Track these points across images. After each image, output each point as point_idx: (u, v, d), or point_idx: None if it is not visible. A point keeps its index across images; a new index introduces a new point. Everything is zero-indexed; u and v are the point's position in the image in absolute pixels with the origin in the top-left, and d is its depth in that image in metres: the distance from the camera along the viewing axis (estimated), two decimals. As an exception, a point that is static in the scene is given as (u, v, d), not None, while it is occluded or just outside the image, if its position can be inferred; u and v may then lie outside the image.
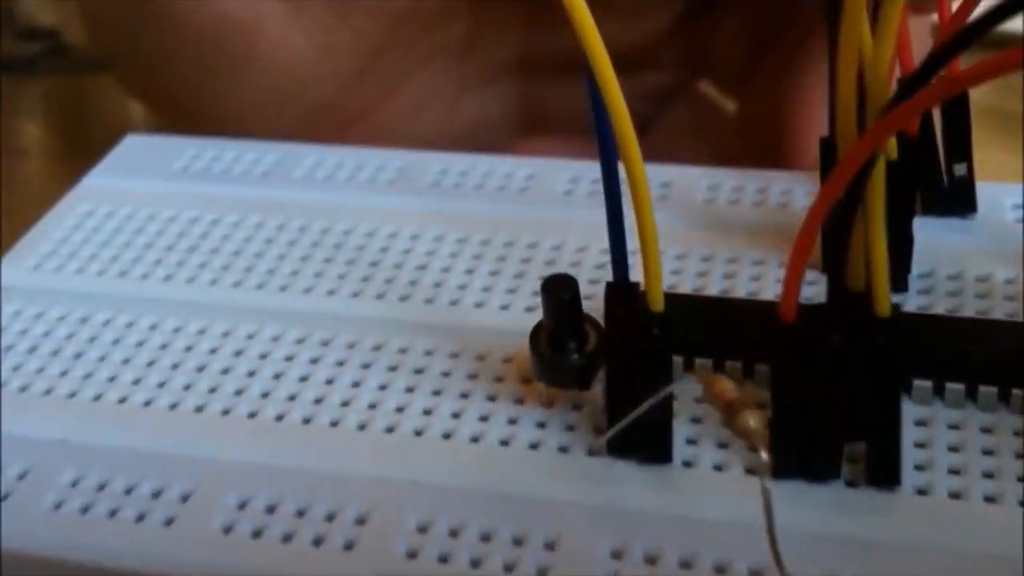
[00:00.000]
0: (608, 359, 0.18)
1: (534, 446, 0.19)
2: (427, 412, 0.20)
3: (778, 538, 0.14)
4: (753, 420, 0.14)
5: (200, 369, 0.21)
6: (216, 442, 0.20)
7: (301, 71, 0.32)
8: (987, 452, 0.18)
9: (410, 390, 0.20)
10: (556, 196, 0.25)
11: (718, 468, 0.18)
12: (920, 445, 0.18)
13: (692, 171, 0.25)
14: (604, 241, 0.23)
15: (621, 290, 0.17)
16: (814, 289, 0.21)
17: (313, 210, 0.25)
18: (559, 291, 0.18)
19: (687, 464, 0.18)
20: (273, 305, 0.23)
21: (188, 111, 0.33)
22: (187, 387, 0.21)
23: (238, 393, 0.21)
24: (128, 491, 0.19)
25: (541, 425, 0.19)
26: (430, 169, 0.26)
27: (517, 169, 0.26)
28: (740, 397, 0.15)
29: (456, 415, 0.20)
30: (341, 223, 0.25)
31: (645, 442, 0.18)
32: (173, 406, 0.21)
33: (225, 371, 0.21)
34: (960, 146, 0.22)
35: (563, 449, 0.19)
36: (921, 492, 0.17)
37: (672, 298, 0.17)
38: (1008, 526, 0.17)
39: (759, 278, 0.22)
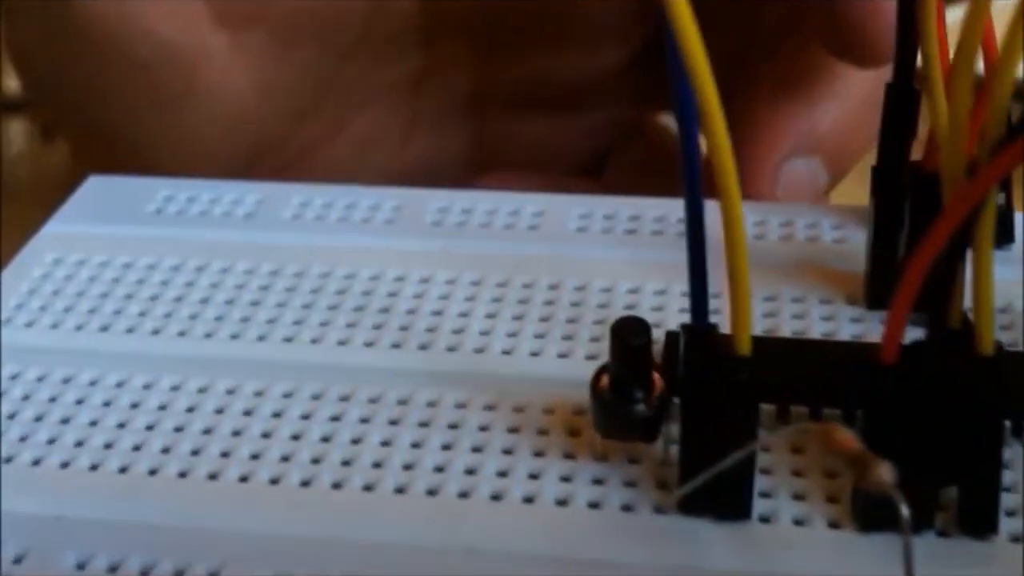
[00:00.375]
0: (684, 408, 0.16)
1: (594, 505, 0.18)
2: (470, 472, 0.18)
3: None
4: (887, 473, 0.13)
5: (207, 431, 0.19)
6: (238, 513, 0.18)
7: (244, 106, 0.30)
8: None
9: (447, 447, 0.19)
10: (569, 233, 0.24)
11: (799, 523, 0.17)
12: (1005, 489, 0.17)
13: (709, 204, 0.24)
14: (630, 280, 0.22)
15: (700, 333, 0.16)
16: (861, 327, 0.20)
17: (308, 254, 0.24)
18: (630, 336, 0.17)
19: (764, 520, 0.17)
20: (278, 358, 0.21)
21: (123, 149, 0.31)
22: (196, 452, 0.19)
23: (254, 457, 0.19)
24: (144, 573, 0.17)
25: (598, 482, 0.18)
26: (429, 207, 0.25)
27: (524, 206, 0.24)
28: (865, 449, 0.14)
29: (503, 474, 0.18)
30: (341, 267, 0.23)
31: (722, 497, 0.17)
32: (183, 474, 0.19)
33: (236, 433, 0.19)
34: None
35: (627, 508, 0.17)
36: (1015, 539, 0.16)
37: (755, 341, 0.16)
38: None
39: (803, 316, 0.21)
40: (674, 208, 0.24)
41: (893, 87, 0.21)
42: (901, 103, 0.21)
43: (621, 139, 0.36)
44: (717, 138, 0.14)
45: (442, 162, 0.34)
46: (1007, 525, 0.17)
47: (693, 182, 0.15)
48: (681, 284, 0.21)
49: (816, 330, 0.20)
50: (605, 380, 0.17)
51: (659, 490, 0.18)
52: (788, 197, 0.27)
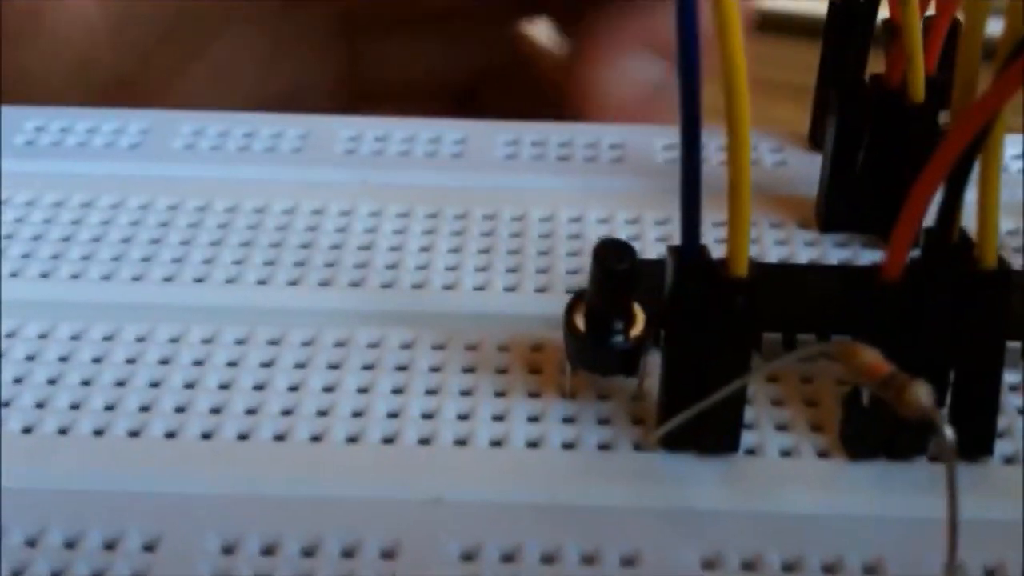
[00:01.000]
0: (671, 338, 0.15)
1: (568, 446, 0.16)
2: (427, 416, 0.17)
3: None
4: (924, 394, 0.12)
5: (121, 384, 0.17)
6: (170, 474, 0.16)
7: (94, 40, 0.28)
8: (1057, 413, 0.17)
9: (398, 392, 0.17)
10: (498, 161, 0.22)
11: (786, 454, 0.16)
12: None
13: (647, 130, 0.23)
14: (571, 209, 0.21)
15: (691, 255, 0.15)
16: (817, 250, 0.20)
17: (209, 187, 0.21)
18: (613, 260, 0.15)
19: (750, 452, 0.16)
20: (191, 302, 0.19)
21: None
22: (110, 407, 0.17)
23: (180, 411, 0.17)
24: (70, 543, 0.15)
25: (569, 421, 0.17)
26: (339, 135, 0.23)
27: (444, 133, 0.23)
28: (897, 370, 0.13)
29: (464, 417, 0.17)
30: (249, 201, 0.21)
31: (709, 431, 0.16)
32: (98, 432, 0.16)
33: (154, 384, 0.17)
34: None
35: (604, 447, 0.16)
36: (1008, 462, 0.16)
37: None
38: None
39: (756, 241, 0.20)
40: (606, 134, 0.23)
41: (841, 4, 0.20)
42: (853, 19, 0.20)
43: (494, 57, 0.34)
44: (733, 59, 0.13)
45: (310, 91, 0.32)
46: (1000, 447, 0.16)
47: (692, 102, 0.13)
48: (625, 211, 0.20)
49: (772, 255, 0.19)
50: (581, 311, 0.16)
51: (636, 426, 0.16)
52: (627, 90, 0.27)
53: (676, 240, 0.19)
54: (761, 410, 0.17)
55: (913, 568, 0.14)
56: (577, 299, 0.16)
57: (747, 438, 0.16)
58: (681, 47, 0.13)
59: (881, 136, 0.19)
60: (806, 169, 0.21)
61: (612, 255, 0.15)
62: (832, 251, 0.19)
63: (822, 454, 0.16)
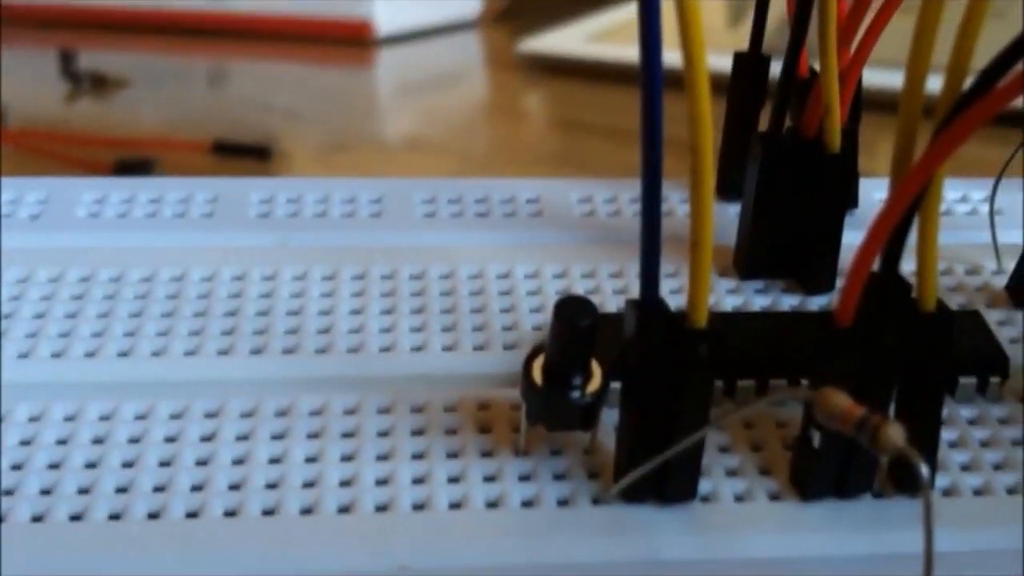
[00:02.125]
0: (632, 390, 0.15)
1: (528, 503, 0.16)
2: (382, 482, 0.16)
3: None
4: (898, 435, 0.13)
5: (55, 466, 0.16)
6: (109, 556, 0.15)
7: None
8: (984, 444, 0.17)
9: (348, 459, 0.17)
10: (417, 220, 0.22)
11: (740, 499, 0.16)
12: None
13: (561, 184, 0.23)
14: (500, 265, 0.21)
15: (651, 308, 0.15)
16: (741, 297, 0.20)
17: (122, 256, 0.20)
18: (575, 317, 0.15)
19: (705, 499, 0.16)
20: (117, 378, 0.18)
21: None
22: (47, 492, 0.16)
23: (121, 491, 0.16)
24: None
25: (526, 478, 0.16)
26: (250, 198, 0.22)
27: (359, 193, 0.22)
28: (870, 412, 0.13)
29: (419, 480, 0.16)
30: (166, 269, 0.20)
31: (670, 481, 0.16)
32: (37, 518, 0.16)
33: (91, 465, 0.16)
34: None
35: (563, 503, 0.16)
36: (947, 494, 0.17)
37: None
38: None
39: (679, 291, 0.20)
40: (521, 188, 0.23)
41: (747, 56, 0.21)
42: (759, 72, 0.21)
43: None
44: (701, 119, 0.13)
45: None
46: (939, 480, 0.17)
47: (652, 162, 0.14)
48: (553, 265, 0.20)
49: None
50: (539, 366, 0.16)
51: (592, 480, 0.16)
52: None
53: (604, 291, 0.20)
54: (711, 457, 0.17)
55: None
56: (534, 354, 0.16)
57: (702, 485, 0.16)
58: (644, 112, 0.13)
59: (800, 184, 0.19)
60: (718, 218, 0.22)
61: (574, 311, 0.15)
62: (755, 297, 0.20)
63: (774, 497, 0.16)
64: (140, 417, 0.17)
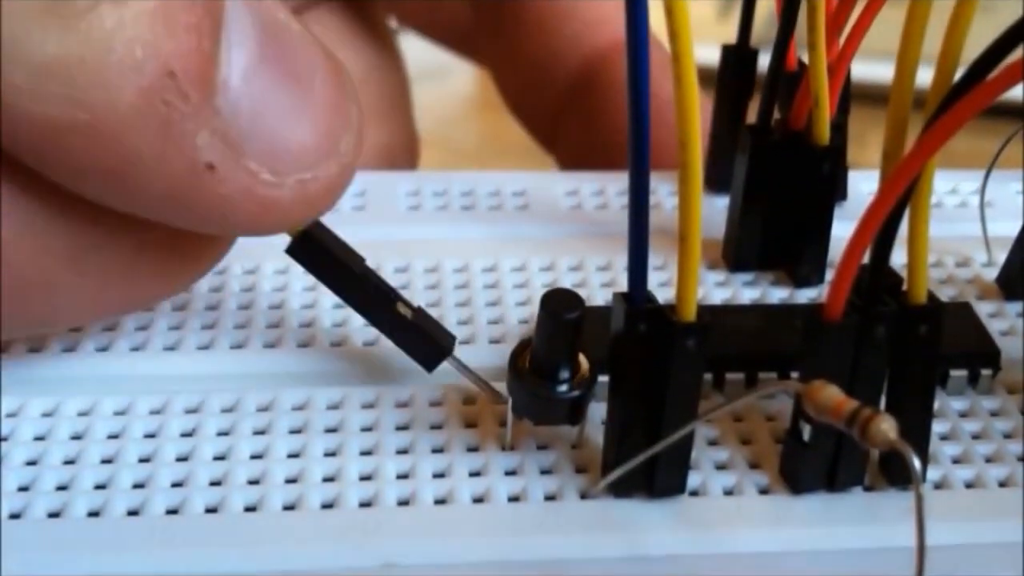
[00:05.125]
0: (620, 384, 0.15)
1: (515, 498, 0.16)
2: (366, 478, 0.16)
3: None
4: (889, 427, 0.13)
5: (32, 463, 0.16)
6: (94, 552, 0.15)
7: None
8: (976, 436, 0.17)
9: (332, 454, 0.16)
10: (402, 213, 0.22)
11: (729, 493, 0.16)
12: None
13: (548, 176, 0.23)
14: (488, 258, 0.20)
15: (639, 302, 0.15)
16: (729, 290, 0.20)
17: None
18: (562, 309, 0.15)
19: (694, 493, 0.16)
20: (99, 371, 0.18)
21: None
22: (24, 488, 0.16)
23: (99, 488, 0.16)
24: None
25: (512, 473, 0.16)
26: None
27: (344, 186, 0.22)
28: (862, 405, 0.13)
29: (404, 476, 0.16)
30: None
31: (661, 475, 0.16)
32: (15, 516, 0.15)
33: (69, 462, 0.16)
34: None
35: (551, 497, 0.16)
36: (938, 487, 0.16)
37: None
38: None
39: (668, 284, 0.20)
40: (508, 181, 0.23)
41: (735, 48, 0.21)
42: (747, 64, 0.21)
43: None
44: (689, 111, 0.13)
45: None
46: (930, 473, 0.17)
47: (640, 156, 0.14)
48: (540, 258, 0.20)
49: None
50: (526, 361, 0.16)
51: (580, 475, 0.16)
52: None
53: (591, 284, 0.20)
54: (700, 451, 0.17)
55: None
56: (522, 349, 0.16)
57: (691, 479, 0.16)
58: (632, 104, 0.13)
59: (789, 176, 0.19)
60: (706, 211, 0.22)
61: (561, 304, 0.15)
62: (744, 290, 0.20)
63: (764, 491, 0.16)
64: (119, 413, 0.17)
